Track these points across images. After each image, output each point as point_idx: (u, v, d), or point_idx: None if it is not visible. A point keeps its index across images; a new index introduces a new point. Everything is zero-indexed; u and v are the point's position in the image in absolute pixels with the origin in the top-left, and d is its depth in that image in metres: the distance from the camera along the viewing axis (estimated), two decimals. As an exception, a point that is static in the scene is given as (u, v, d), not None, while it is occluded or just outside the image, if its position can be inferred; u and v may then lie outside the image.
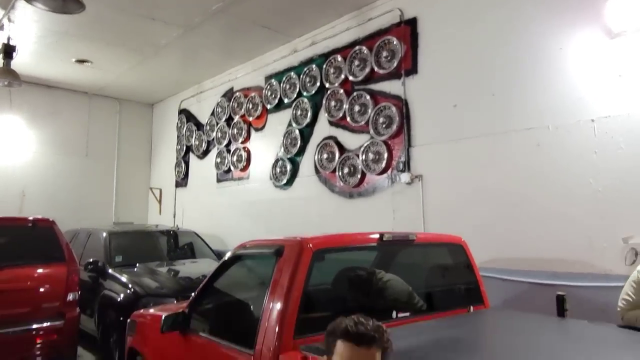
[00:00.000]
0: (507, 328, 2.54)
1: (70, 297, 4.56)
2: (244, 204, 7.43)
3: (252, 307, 2.59)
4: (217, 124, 8.15)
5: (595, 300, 3.08)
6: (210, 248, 7.13)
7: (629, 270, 2.84)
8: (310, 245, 2.37)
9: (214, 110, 8.29)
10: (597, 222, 3.37)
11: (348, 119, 5.60)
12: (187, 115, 9.14)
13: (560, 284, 3.16)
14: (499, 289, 3.59)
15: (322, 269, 2.53)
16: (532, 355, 1.93)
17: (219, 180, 8.11)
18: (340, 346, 1.33)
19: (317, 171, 6.07)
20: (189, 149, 9.02)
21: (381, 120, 5.21)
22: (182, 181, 9.16)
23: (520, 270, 3.67)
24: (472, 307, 2.86)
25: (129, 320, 3.88)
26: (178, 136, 9.34)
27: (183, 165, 9.14)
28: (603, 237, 3.31)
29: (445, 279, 3.05)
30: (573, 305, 2.83)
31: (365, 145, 5.34)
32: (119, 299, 5.20)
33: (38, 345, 4.32)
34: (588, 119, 3.53)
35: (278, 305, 2.23)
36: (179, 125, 9.29)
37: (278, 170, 6.78)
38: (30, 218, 4.73)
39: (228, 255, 2.90)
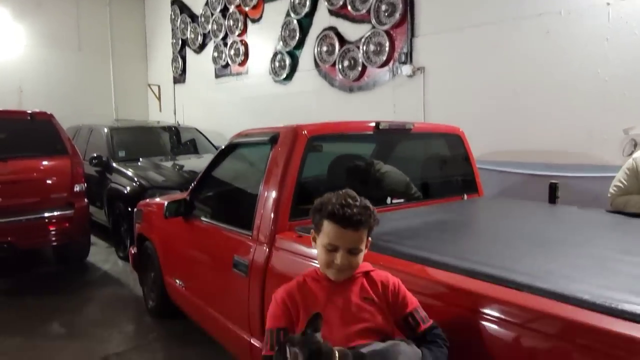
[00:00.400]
0: (497, 212, 2.63)
1: (77, 188, 4.69)
2: (244, 100, 7.33)
3: (249, 193, 2.66)
4: (212, 15, 7.73)
5: (589, 191, 3.14)
6: (212, 144, 7.18)
7: (626, 161, 2.84)
8: (305, 132, 2.35)
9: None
10: (599, 113, 3.32)
11: (349, 7, 5.27)
12: (180, 5, 8.65)
13: (556, 175, 3.20)
14: (495, 180, 3.64)
15: (318, 159, 2.55)
16: (517, 233, 2.01)
17: (217, 76, 7.91)
18: (327, 226, 1.31)
19: (316, 65, 5.88)
20: (184, 43, 8.68)
21: (384, 7, 4.90)
22: (180, 77, 8.95)
23: (518, 162, 3.70)
24: (465, 196, 2.93)
25: (135, 210, 4.03)
26: (172, 29, 8.93)
27: (180, 60, 8.86)
28: (604, 129, 3.28)
29: (442, 170, 3.09)
30: (567, 195, 2.90)
31: (366, 36, 5.09)
32: (125, 192, 5.37)
33: (52, 232, 4.55)
34: (604, 2, 3.30)
35: (274, 191, 2.28)
36: (173, 17, 8.84)
37: (277, 64, 6.57)
38: (29, 111, 4.71)
39: (225, 144, 2.91)
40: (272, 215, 2.25)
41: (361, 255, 1.34)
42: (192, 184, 3.15)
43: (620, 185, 2.41)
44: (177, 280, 3.14)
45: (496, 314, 1.27)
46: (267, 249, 2.21)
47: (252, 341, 2.28)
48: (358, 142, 2.92)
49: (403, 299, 1.33)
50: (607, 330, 1.06)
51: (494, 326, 1.26)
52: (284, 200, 2.25)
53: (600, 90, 3.32)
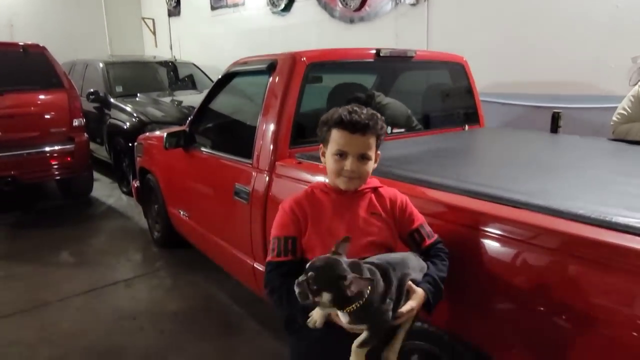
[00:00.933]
0: (497, 140, 2.62)
1: (76, 122, 4.67)
2: (242, 33, 7.09)
3: (248, 122, 2.64)
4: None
5: (592, 122, 3.11)
6: (211, 80, 7.04)
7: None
8: (304, 58, 2.30)
9: None
10: (608, 41, 3.21)
11: None
12: None
13: (559, 106, 3.15)
14: (498, 113, 3.60)
15: (318, 92, 2.51)
16: (517, 159, 2.02)
17: (213, 8, 7.60)
18: (335, 134, 1.29)
19: (316, -7, 5.62)
20: (178, -28, 8.27)
21: None
22: (174, 10, 8.61)
23: (521, 94, 3.63)
24: (467, 126, 2.91)
25: (135, 143, 4.03)
26: (166, -43, 8.47)
27: (174, -10, 8.48)
28: (612, 57, 3.19)
29: (444, 100, 3.04)
30: (570, 126, 2.87)
31: (369, -39, 4.83)
32: (125, 127, 5.35)
33: (55, 166, 4.59)
34: None
35: (273, 118, 2.27)
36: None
37: (275, -6, 6.29)
38: (21, 43, 4.58)
39: (222, 73, 2.85)
40: (272, 142, 2.25)
41: (370, 164, 1.31)
42: (191, 116, 3.12)
43: (624, 112, 2.37)
44: (181, 211, 3.20)
45: (495, 230, 1.30)
46: (268, 176, 2.23)
47: (254, 265, 2.36)
48: (358, 71, 2.85)
49: (410, 215, 1.35)
50: (601, 242, 1.09)
51: (493, 242, 1.30)
52: (284, 127, 2.24)
53: (611, 16, 3.18)
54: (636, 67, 3.04)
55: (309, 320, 1.20)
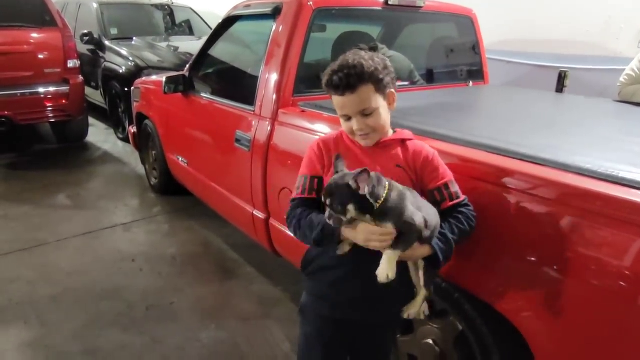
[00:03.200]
0: (502, 97, 2.60)
1: (70, 64, 4.55)
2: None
3: (251, 68, 2.59)
4: None
5: (597, 83, 3.07)
6: (209, 26, 6.83)
7: (640, 52, 2.75)
8: (311, 2, 2.22)
9: None
10: (621, 0, 3.12)
11: None
12: None
13: (565, 67, 3.10)
14: (501, 71, 3.54)
15: (323, 36, 2.44)
16: (522, 116, 2.01)
17: (213, -52, 7.25)
18: (332, 98, 1.26)
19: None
20: None
21: None
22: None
23: (526, 53, 3.57)
24: (471, 83, 2.87)
25: (132, 88, 3.95)
26: None
27: None
28: (622, 17, 3.11)
29: (449, 55, 2.97)
30: (574, 87, 2.83)
31: None
32: (121, 71, 5.23)
33: (49, 108, 4.51)
34: None
35: (277, 64, 2.22)
36: None
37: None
38: (10, -23, 4.38)
39: (223, 17, 2.76)
40: (275, 90, 2.21)
41: (378, 115, 1.22)
42: (190, 61, 3.04)
43: (632, 74, 2.35)
44: (179, 157, 3.19)
45: (501, 182, 1.29)
46: (270, 124, 2.20)
47: (254, 213, 2.38)
48: (365, 20, 2.77)
49: (433, 172, 1.25)
50: (607, 195, 1.10)
51: (500, 194, 1.30)
52: (288, 75, 2.20)
53: (627, -25, 3.09)
54: (647, 28, 2.98)
55: (337, 249, 1.23)
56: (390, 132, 1.31)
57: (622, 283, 1.06)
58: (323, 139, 1.34)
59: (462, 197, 1.25)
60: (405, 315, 1.27)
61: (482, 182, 1.34)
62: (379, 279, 1.10)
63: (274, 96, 2.22)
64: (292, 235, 2.10)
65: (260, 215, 2.34)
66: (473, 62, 2.94)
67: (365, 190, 1.08)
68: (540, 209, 1.21)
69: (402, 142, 1.29)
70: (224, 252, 2.96)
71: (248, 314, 2.36)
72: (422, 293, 1.28)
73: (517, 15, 3.67)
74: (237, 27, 2.74)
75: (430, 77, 2.81)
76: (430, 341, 1.63)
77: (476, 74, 2.95)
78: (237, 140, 2.40)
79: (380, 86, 1.21)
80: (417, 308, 1.28)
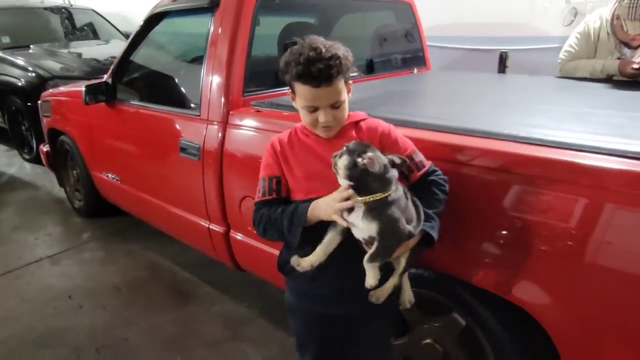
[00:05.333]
0: (454, 82, 2.59)
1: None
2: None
3: (190, 67, 2.35)
4: None
5: (528, 62, 3.18)
6: (117, 28, 6.30)
7: (566, 30, 2.89)
8: (253, -8, 2.03)
9: None
10: (542, -19, 3.27)
11: None
12: None
13: (496, 49, 3.19)
14: (436, 57, 3.56)
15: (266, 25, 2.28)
16: (484, 98, 2.00)
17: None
18: (298, 87, 1.16)
19: None
20: None
21: None
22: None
23: (457, 37, 3.64)
24: (415, 69, 2.85)
25: (40, 102, 3.49)
26: None
27: None
28: (546, -2, 3.27)
29: (391, 43, 2.92)
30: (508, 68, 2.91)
31: None
32: (20, 84, 4.63)
33: None
34: None
35: (221, 65, 2.01)
36: None
37: None
38: None
39: (147, 15, 2.48)
40: (223, 90, 2.00)
41: (345, 107, 1.19)
42: (112, 66, 2.71)
43: (571, 50, 2.44)
44: (109, 175, 2.84)
45: (489, 164, 1.25)
46: (221, 128, 1.99)
47: (210, 227, 2.16)
48: (308, 11, 2.63)
49: (393, 146, 1.21)
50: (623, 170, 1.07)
51: (486, 177, 1.25)
52: (236, 73, 2.00)
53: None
54: (569, 7, 3.14)
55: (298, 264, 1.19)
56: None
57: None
58: (277, 138, 1.29)
59: (428, 164, 1.24)
60: (373, 299, 1.20)
61: (468, 166, 1.27)
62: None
63: (222, 97, 2.01)
64: (258, 246, 1.99)
65: (217, 229, 2.13)
66: (415, 48, 2.92)
67: (375, 168, 1.04)
68: (550, 192, 1.15)
69: (356, 124, 1.25)
70: (174, 273, 2.69)
71: (215, 338, 2.14)
72: (395, 278, 1.22)
73: (445, 5, 3.72)
74: (165, 24, 2.46)
75: (373, 67, 2.74)
76: (431, 341, 1.55)
77: (418, 60, 2.93)
78: (183, 150, 2.15)
79: (346, 77, 1.18)
80: (384, 293, 1.20)
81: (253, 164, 1.90)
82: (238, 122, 1.96)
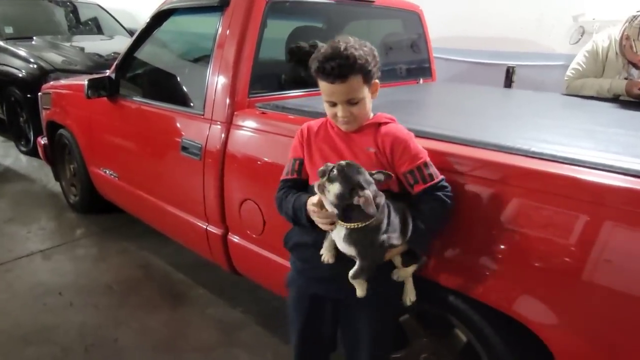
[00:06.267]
0: (459, 94, 2.57)
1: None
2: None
3: (197, 66, 2.33)
4: None
5: (533, 79, 3.18)
6: (121, 25, 6.28)
7: (573, 49, 2.89)
8: (264, -7, 2.02)
9: None
10: (551, -2, 3.27)
11: None
12: None
13: (501, 63, 3.19)
14: (441, 68, 3.56)
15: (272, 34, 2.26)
16: (495, 112, 1.99)
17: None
18: (320, 83, 1.24)
19: None
20: None
21: None
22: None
23: (463, 50, 3.63)
24: (421, 80, 2.83)
25: (40, 94, 3.45)
26: None
27: None
28: (554, 15, 3.27)
29: (397, 52, 2.92)
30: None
31: None
32: (21, 75, 4.59)
33: None
34: None
35: (228, 65, 1.98)
36: None
37: None
38: None
39: (154, 11, 2.45)
40: (229, 90, 1.98)
41: (363, 104, 1.23)
42: (116, 61, 2.68)
43: (579, 68, 2.43)
44: (107, 171, 2.80)
45: (524, 184, 1.20)
46: (224, 129, 1.97)
47: (208, 228, 2.13)
48: (316, 16, 2.61)
49: (404, 154, 1.21)
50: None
51: (502, 190, 1.22)
52: (242, 74, 1.97)
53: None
54: (577, 25, 3.15)
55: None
56: (371, 116, 1.30)
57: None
58: (308, 124, 1.38)
59: (438, 179, 1.22)
60: (395, 277, 1.27)
61: (503, 185, 1.23)
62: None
63: (227, 98, 1.98)
64: (255, 250, 1.96)
65: (216, 231, 2.09)
66: (421, 59, 2.91)
67: (370, 210, 1.06)
68: (564, 208, 1.13)
69: (378, 125, 1.28)
70: (168, 274, 2.64)
71: (209, 343, 2.10)
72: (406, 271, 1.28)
73: (454, 12, 3.72)
74: (173, 21, 2.44)
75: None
76: (430, 356, 1.52)
77: (424, 71, 2.92)
78: (184, 149, 2.12)
79: (368, 77, 1.22)
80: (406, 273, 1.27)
81: (255, 167, 1.88)
82: (242, 123, 1.93)
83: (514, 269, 1.21)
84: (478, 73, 3.52)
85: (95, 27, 6.22)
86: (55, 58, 4.72)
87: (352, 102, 1.21)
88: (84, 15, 6.22)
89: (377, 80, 1.27)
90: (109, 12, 6.34)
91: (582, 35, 3.13)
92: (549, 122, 1.75)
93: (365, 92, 1.23)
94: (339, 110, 1.22)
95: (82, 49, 5.19)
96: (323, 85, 1.22)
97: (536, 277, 1.17)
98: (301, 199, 1.25)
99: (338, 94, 1.21)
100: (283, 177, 1.37)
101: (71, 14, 6.20)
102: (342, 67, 1.16)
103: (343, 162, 1.12)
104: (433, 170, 1.22)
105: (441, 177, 1.23)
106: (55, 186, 3.66)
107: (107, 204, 3.05)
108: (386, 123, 1.27)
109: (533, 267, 1.17)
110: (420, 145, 1.25)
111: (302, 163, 1.34)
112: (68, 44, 5.30)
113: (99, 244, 2.96)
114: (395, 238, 1.16)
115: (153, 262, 2.75)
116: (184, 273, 2.63)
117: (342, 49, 1.18)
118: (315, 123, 1.36)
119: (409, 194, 1.24)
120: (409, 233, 1.19)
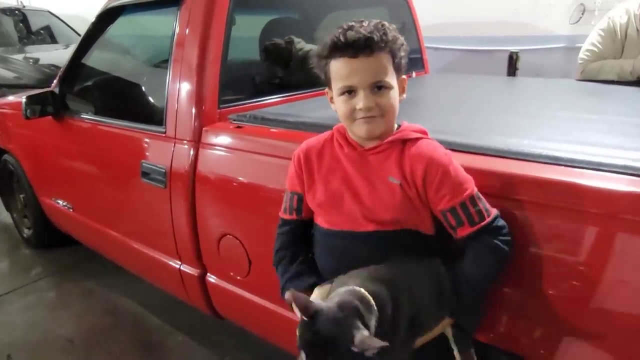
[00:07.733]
0: (459, 86, 2.27)
1: None
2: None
3: (152, 74, 1.96)
4: None
5: (531, 63, 2.90)
6: (76, 32, 5.81)
7: (574, 29, 2.62)
8: (228, -18, 1.66)
9: None
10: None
11: None
12: None
13: (496, 49, 2.91)
14: (431, 59, 3.26)
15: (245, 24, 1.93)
16: (499, 105, 1.69)
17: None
18: (334, 66, 0.93)
19: None
20: None
21: None
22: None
23: (451, 37, 3.33)
24: (414, 73, 2.52)
25: (-21, 115, 3.01)
26: None
27: None
28: (550, -7, 2.99)
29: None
30: (505, 69, 2.61)
31: None
32: (-39, 95, 4.11)
33: None
34: None
35: (190, 71, 1.63)
36: None
37: None
38: None
39: (100, 10, 2.07)
40: (194, 102, 1.62)
41: (392, 95, 0.94)
42: (60, 72, 2.29)
43: (594, 49, 2.15)
44: (60, 201, 2.40)
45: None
46: (192, 148, 1.61)
47: (182, 268, 1.77)
48: (287, 7, 2.27)
49: (442, 186, 0.91)
50: None
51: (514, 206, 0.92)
52: (209, 81, 1.62)
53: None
54: (577, 3, 2.88)
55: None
56: (396, 127, 1.01)
57: None
58: (307, 144, 1.07)
59: (489, 218, 0.90)
60: None
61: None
62: None
63: (193, 110, 1.62)
64: (241, 294, 1.62)
65: (191, 271, 1.74)
66: (411, 49, 2.58)
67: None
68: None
69: (404, 142, 0.97)
70: (140, 319, 2.26)
71: (192, 406, 1.74)
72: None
73: (443, 2, 3.41)
74: (122, 22, 2.06)
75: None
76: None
77: (416, 63, 2.61)
78: (145, 174, 1.75)
79: (397, 64, 0.97)
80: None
81: (233, 195, 1.53)
82: (213, 141, 1.58)
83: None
84: (471, 61, 3.23)
85: (48, 35, 5.81)
86: (3, 73, 4.27)
87: (379, 85, 0.92)
88: (35, 24, 5.79)
89: (405, 77, 1.02)
90: (62, 18, 5.86)
91: (582, 14, 2.87)
92: (582, 115, 1.44)
93: (395, 81, 0.95)
94: (361, 100, 0.92)
95: (37, 61, 4.75)
96: (339, 66, 0.93)
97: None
98: (293, 283, 1.02)
99: (362, 73, 0.91)
100: (281, 214, 1.13)
101: (21, 24, 5.77)
102: (369, 39, 0.90)
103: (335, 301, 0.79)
104: (483, 205, 0.90)
105: (495, 213, 0.90)
106: (8, 218, 3.23)
107: (65, 236, 2.65)
108: (416, 140, 0.95)
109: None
110: (463, 170, 0.92)
111: (300, 199, 1.07)
112: (21, 56, 4.86)
113: (57, 286, 2.55)
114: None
115: (121, 304, 2.36)
116: (159, 315, 2.26)
117: (367, 21, 0.94)
118: (316, 141, 1.06)
119: (449, 235, 0.92)
120: (448, 302, 0.90)
